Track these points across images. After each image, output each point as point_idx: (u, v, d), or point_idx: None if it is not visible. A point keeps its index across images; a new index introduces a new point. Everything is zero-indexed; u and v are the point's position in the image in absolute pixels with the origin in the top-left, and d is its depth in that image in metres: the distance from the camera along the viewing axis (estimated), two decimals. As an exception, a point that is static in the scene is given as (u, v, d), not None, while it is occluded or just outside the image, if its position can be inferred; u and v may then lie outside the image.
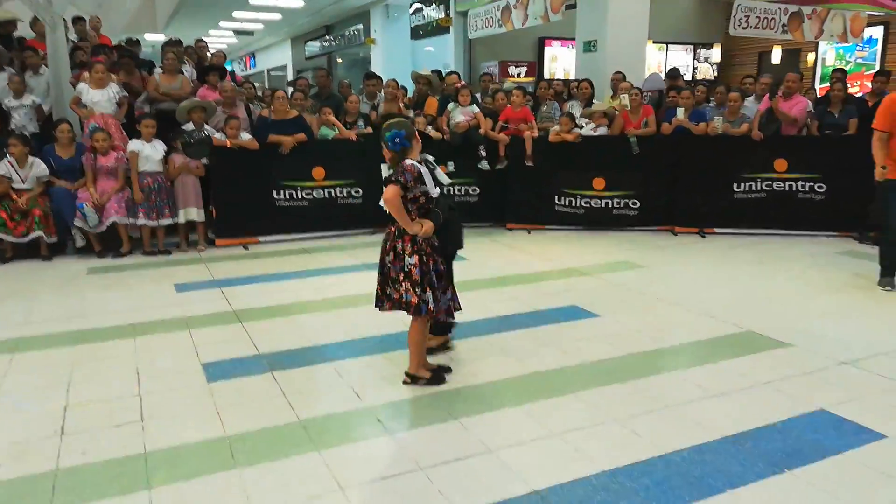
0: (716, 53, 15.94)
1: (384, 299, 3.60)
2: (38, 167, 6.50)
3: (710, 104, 7.94)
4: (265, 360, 4.01)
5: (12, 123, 7.29)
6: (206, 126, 6.97)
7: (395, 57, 17.50)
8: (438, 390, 3.61)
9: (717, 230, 7.55)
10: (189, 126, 6.86)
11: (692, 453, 2.97)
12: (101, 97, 7.18)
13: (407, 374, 3.70)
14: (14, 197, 6.35)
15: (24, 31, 9.12)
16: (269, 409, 3.40)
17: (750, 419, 3.27)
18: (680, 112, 7.51)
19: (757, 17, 10.37)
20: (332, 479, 2.78)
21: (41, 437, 3.11)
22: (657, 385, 3.71)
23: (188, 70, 8.38)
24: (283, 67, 26.63)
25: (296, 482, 2.76)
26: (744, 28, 10.28)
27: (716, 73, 15.81)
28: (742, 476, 2.78)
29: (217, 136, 6.87)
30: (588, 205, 7.69)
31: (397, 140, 3.41)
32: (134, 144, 6.61)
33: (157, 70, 8.01)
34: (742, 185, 7.42)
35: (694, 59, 15.81)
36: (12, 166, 6.40)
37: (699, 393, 3.58)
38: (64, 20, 8.02)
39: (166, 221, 6.72)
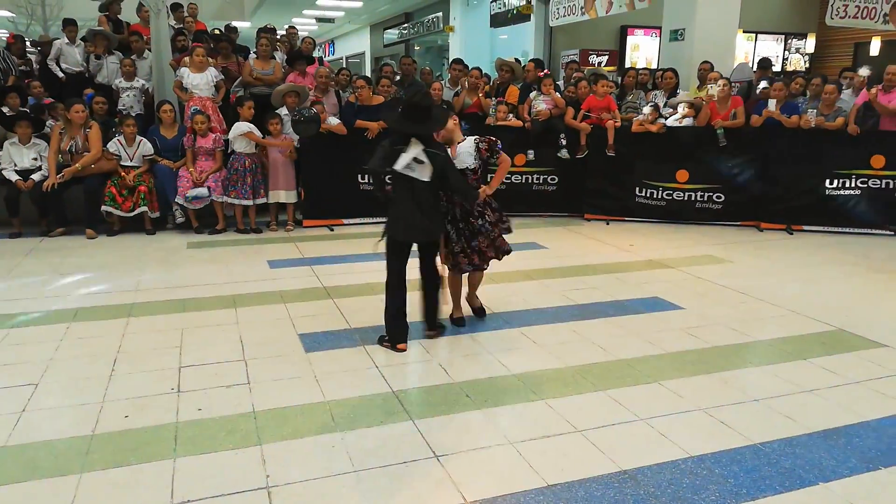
0: (809, 44, 15.25)
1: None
2: (145, 146, 6.95)
3: (804, 96, 7.67)
4: (357, 335, 4.22)
5: (121, 104, 7.80)
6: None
7: (473, 45, 17.56)
8: (523, 372, 3.72)
9: (805, 227, 7.33)
10: (283, 110, 7.16)
11: (782, 445, 2.97)
12: (201, 81, 7.59)
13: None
14: (122, 174, 6.81)
15: (128, 15, 9.68)
16: (364, 379, 3.59)
17: (842, 416, 3.24)
18: (772, 104, 7.29)
19: (856, 6, 9.91)
20: (427, 446, 2.93)
21: (160, 394, 3.40)
22: (744, 378, 3.70)
23: (280, 56, 8.72)
24: (361, 54, 27.11)
25: (393, 447, 2.93)
26: (841, 18, 9.85)
27: (807, 65, 15.15)
28: (835, 470, 2.78)
29: (334, 122, 7.11)
30: (670, 197, 7.60)
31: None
32: (243, 126, 6.90)
33: (252, 55, 8.37)
34: (835, 181, 7.17)
35: (785, 49, 15.18)
36: (122, 145, 6.87)
37: (789, 388, 3.55)
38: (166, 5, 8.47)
39: (258, 201, 7.06)
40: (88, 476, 2.69)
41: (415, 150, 3.78)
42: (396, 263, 4.01)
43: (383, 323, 4.08)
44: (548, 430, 3.09)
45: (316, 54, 9.98)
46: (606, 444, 2.96)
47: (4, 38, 9.91)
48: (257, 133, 6.93)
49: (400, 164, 3.81)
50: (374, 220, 7.50)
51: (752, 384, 3.62)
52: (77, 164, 6.67)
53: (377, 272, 5.63)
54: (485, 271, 4.43)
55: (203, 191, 6.80)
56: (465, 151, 4.15)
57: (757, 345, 4.22)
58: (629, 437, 3.04)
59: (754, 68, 9.54)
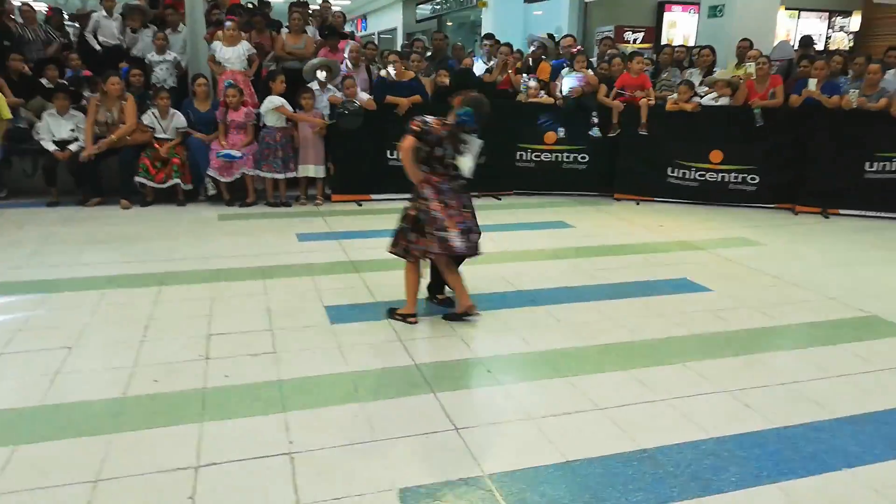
0: (854, 22, 14.72)
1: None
2: (178, 119, 7.04)
3: (846, 76, 7.43)
4: (381, 308, 4.25)
5: (154, 77, 7.89)
6: (330, 86, 7.26)
7: (506, 20, 17.29)
8: (545, 350, 3.72)
9: (841, 211, 7.14)
10: (315, 84, 7.17)
11: (807, 430, 2.93)
12: (233, 55, 7.62)
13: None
14: (156, 146, 6.92)
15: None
16: (387, 352, 3.63)
17: (871, 402, 3.18)
18: (812, 83, 7.08)
19: (907, -18, 9.51)
20: (447, 418, 2.96)
21: (189, 360, 3.48)
22: (772, 361, 3.65)
23: (311, 30, 8.72)
24: (394, 30, 26.93)
25: (413, 418, 2.96)
26: (891, -6, 9.46)
27: (852, 44, 14.63)
28: (860, 456, 2.74)
29: (364, 97, 7.13)
30: (703, 178, 7.46)
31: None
32: (275, 100, 6.96)
33: (285, 30, 8.38)
34: (875, 164, 6.95)
35: (828, 27, 14.68)
36: (156, 117, 6.97)
37: (817, 373, 3.49)
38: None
39: (289, 175, 7.12)
40: (119, 437, 2.77)
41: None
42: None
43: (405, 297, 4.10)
44: (569, 407, 3.09)
45: (348, 29, 9.97)
46: (627, 423, 2.96)
47: (44, 12, 10.08)
48: (289, 108, 6.97)
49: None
50: (402, 196, 7.51)
51: (780, 368, 3.57)
52: (112, 136, 6.79)
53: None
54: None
55: (234, 152, 6.86)
56: None
57: (786, 329, 4.15)
58: (651, 416, 3.03)
59: (795, 46, 9.25)
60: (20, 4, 8.61)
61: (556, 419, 2.98)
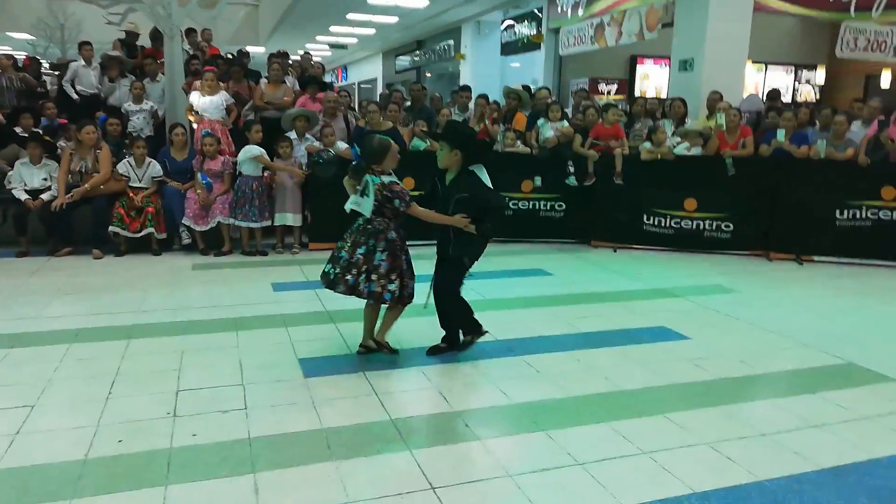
0: (819, 75, 15.27)
1: (341, 283, 3.94)
2: (154, 167, 6.99)
3: (814, 127, 7.64)
4: (357, 360, 4.17)
5: (130, 126, 7.88)
6: (308, 135, 7.29)
7: (483, 72, 17.71)
8: (524, 402, 3.65)
9: (815, 258, 7.25)
10: (292, 134, 7.21)
11: (790, 482, 2.88)
12: (211, 104, 7.66)
13: (374, 339, 4.19)
14: (131, 195, 6.85)
15: (141, 39, 9.84)
16: (362, 407, 3.53)
17: (853, 452, 3.15)
18: (781, 134, 7.27)
19: (867, 38, 9.93)
20: (423, 477, 2.87)
21: (156, 417, 3.36)
22: (751, 412, 3.62)
23: (290, 80, 8.81)
24: (374, 80, 27.43)
25: (389, 478, 2.86)
26: (852, 50, 9.87)
27: (818, 96, 15.15)
28: (844, 511, 2.69)
29: (342, 147, 7.15)
30: (678, 225, 7.54)
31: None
32: (253, 149, 6.94)
33: (264, 80, 8.46)
34: (846, 212, 7.09)
35: (795, 80, 15.21)
36: (131, 166, 6.92)
37: (797, 422, 3.46)
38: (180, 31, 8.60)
39: (265, 223, 7.07)
40: (78, 503, 2.63)
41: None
42: None
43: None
44: (548, 462, 3.01)
45: (329, 79, 10.10)
46: (607, 479, 2.88)
47: (21, 61, 10.10)
48: (266, 157, 6.96)
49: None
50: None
51: (760, 418, 3.53)
52: (86, 185, 6.72)
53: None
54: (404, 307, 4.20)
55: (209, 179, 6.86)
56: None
57: (765, 377, 4.14)
58: (631, 471, 2.96)
59: (764, 99, 9.54)
60: (-4, 54, 8.61)
61: (535, 476, 2.90)
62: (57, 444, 3.09)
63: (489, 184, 4.08)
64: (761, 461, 3.06)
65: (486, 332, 4.33)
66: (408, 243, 4.11)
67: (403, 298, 4.05)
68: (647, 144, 7.55)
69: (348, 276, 3.94)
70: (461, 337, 4.32)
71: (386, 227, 3.99)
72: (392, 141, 4.15)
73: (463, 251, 4.08)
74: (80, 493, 2.70)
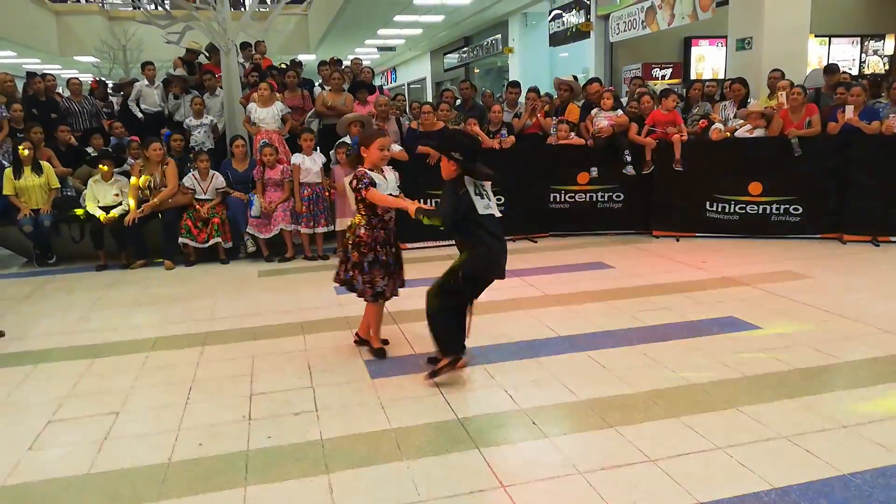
0: (888, 45, 14.50)
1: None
2: (217, 179, 7.24)
3: (877, 100, 7.27)
4: (422, 360, 4.21)
5: (192, 141, 8.17)
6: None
7: (532, 64, 17.58)
8: (590, 398, 3.61)
9: (893, 238, 6.90)
10: (349, 139, 7.32)
11: (875, 476, 2.77)
12: (267, 115, 7.87)
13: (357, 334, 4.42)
14: (197, 207, 7.11)
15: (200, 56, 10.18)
16: (429, 407, 3.57)
17: (944, 444, 2.99)
18: (849, 110, 6.94)
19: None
20: (493, 476, 2.88)
21: (232, 421, 3.49)
22: (831, 403, 3.48)
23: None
24: (423, 80, 27.56)
25: (459, 477, 2.89)
26: (924, 15, 9.31)
27: (887, 67, 14.39)
28: (937, 505, 2.56)
29: (396, 149, 7.25)
30: (743, 211, 7.31)
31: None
32: (295, 158, 7.16)
33: (318, 87, 8.63)
34: (925, 187, 6.73)
35: (861, 52, 14.48)
36: (196, 179, 7.18)
37: (881, 413, 3.32)
38: (235, 45, 8.87)
39: (323, 229, 7.22)
40: (164, 504, 2.76)
41: (488, 188, 3.82)
42: (473, 296, 3.92)
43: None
44: (618, 459, 2.98)
45: (377, 82, 10.23)
46: (681, 475, 2.83)
47: (89, 83, 10.62)
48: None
49: (488, 205, 3.74)
50: (437, 243, 7.55)
51: (840, 409, 3.39)
52: (155, 199, 7.01)
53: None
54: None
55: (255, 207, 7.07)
56: (392, 178, 4.37)
57: (844, 366, 3.97)
58: (706, 467, 2.90)
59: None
60: (67, 79, 9.07)
61: (606, 473, 2.87)
62: (142, 448, 3.24)
63: (488, 195, 3.80)
64: (843, 454, 2.94)
65: (467, 363, 3.89)
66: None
67: (365, 294, 4.18)
68: (718, 124, 7.35)
69: (339, 270, 4.26)
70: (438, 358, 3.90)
71: (359, 222, 4.14)
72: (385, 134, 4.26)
73: (463, 264, 3.78)
74: (165, 495, 2.83)
